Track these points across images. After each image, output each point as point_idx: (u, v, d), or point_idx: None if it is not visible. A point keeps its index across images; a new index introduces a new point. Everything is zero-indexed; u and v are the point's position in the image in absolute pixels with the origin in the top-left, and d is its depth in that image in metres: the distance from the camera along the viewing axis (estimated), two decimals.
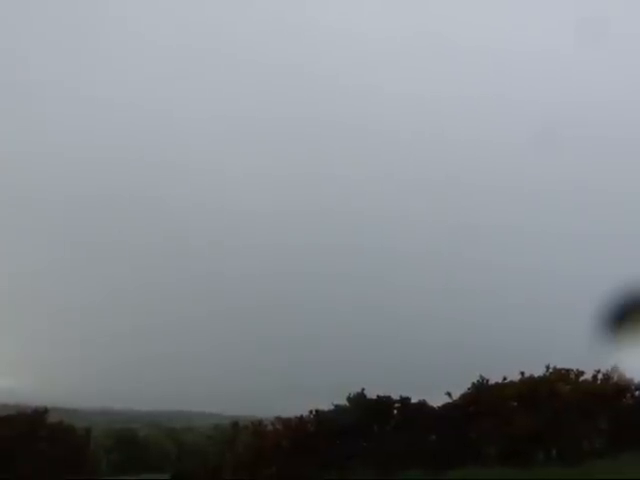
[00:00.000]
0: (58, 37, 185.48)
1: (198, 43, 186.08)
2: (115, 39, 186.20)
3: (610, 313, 7.04)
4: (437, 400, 43.87)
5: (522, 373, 42.12)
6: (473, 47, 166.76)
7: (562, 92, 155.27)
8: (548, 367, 41.41)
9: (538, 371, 41.88)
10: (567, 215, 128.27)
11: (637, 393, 40.67)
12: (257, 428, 47.10)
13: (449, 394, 43.23)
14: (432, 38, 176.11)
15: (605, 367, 38.28)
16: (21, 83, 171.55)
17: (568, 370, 41.57)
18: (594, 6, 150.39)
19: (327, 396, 46.94)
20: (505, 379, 42.70)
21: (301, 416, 45.54)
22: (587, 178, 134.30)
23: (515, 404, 41.83)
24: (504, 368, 43.77)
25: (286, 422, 45.46)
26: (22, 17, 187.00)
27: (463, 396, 43.07)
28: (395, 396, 44.22)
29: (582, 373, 41.30)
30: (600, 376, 40.78)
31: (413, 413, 43.24)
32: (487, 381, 43.12)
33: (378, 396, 44.18)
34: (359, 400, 44.15)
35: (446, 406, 43.36)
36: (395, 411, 44.29)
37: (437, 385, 46.52)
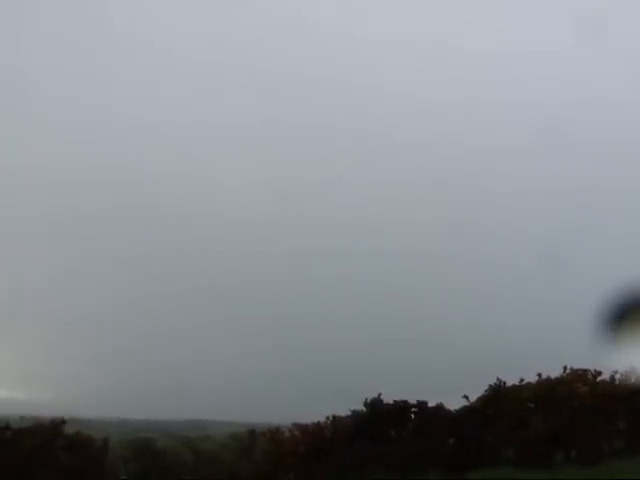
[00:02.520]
0: (55, 44, 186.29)
1: (195, 48, 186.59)
2: (112, 44, 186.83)
3: (611, 313, 7.04)
4: (454, 403, 43.81)
5: (539, 375, 42.00)
6: (474, 49, 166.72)
7: (564, 92, 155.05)
8: (565, 368, 41.29)
9: (555, 372, 41.78)
10: (569, 214, 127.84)
11: None
12: (274, 435, 46.97)
13: (466, 397, 43.14)
14: (433, 41, 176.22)
15: (620, 367, 38.05)
16: (23, 95, 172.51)
17: (585, 371, 41.39)
18: (594, 5, 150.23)
19: (343, 402, 46.89)
20: (522, 381, 42.58)
21: (318, 422, 45.47)
22: (589, 178, 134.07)
23: (533, 406, 41.72)
24: (521, 370, 43.69)
25: (303, 428, 45.39)
26: (21, 28, 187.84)
27: (480, 399, 42.97)
28: (412, 400, 44.15)
29: (600, 373, 41.11)
30: (618, 376, 40.56)
31: (430, 417, 43.17)
32: (504, 383, 42.99)
33: (395, 401, 44.11)
34: (376, 405, 44.08)
35: (463, 409, 43.26)
36: (412, 415, 44.21)
37: (454, 388, 46.52)
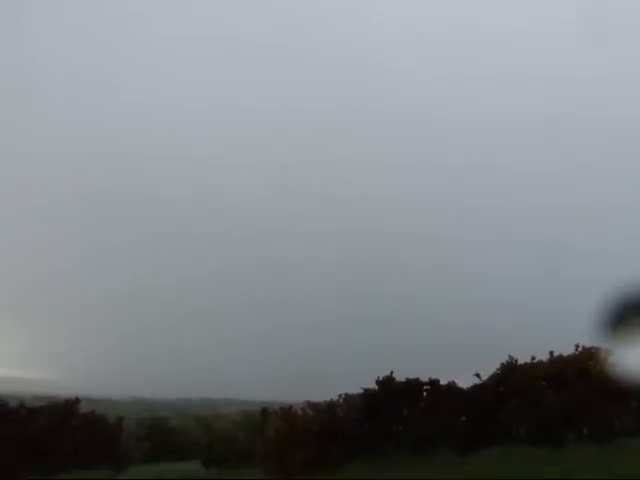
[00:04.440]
0: (60, 33, 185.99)
1: (200, 35, 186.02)
2: (115, 32, 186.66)
3: (611, 312, 6.98)
4: (466, 381, 43.81)
5: (551, 353, 41.90)
6: (484, 33, 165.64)
7: (566, 87, 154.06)
8: (577, 346, 41.15)
9: (568, 350, 41.66)
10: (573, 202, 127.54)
11: None
12: (286, 413, 47.16)
13: (478, 375, 43.14)
14: (444, 23, 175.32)
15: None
16: (33, 84, 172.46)
17: (597, 349, 41.22)
18: (595, 1, 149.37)
19: (356, 380, 47.08)
20: (534, 359, 42.50)
21: (330, 400, 45.62)
22: (587, 175, 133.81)
23: (544, 384, 41.67)
24: (533, 348, 43.65)
25: (316, 406, 45.55)
26: (27, 14, 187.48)
27: (492, 377, 42.96)
28: (424, 378, 44.20)
29: (611, 352, 40.89)
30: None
31: (442, 395, 43.22)
32: (516, 361, 42.95)
33: (407, 379, 44.17)
34: (388, 383, 44.16)
35: (475, 387, 43.28)
36: (424, 393, 44.28)
37: (466, 366, 46.56)
